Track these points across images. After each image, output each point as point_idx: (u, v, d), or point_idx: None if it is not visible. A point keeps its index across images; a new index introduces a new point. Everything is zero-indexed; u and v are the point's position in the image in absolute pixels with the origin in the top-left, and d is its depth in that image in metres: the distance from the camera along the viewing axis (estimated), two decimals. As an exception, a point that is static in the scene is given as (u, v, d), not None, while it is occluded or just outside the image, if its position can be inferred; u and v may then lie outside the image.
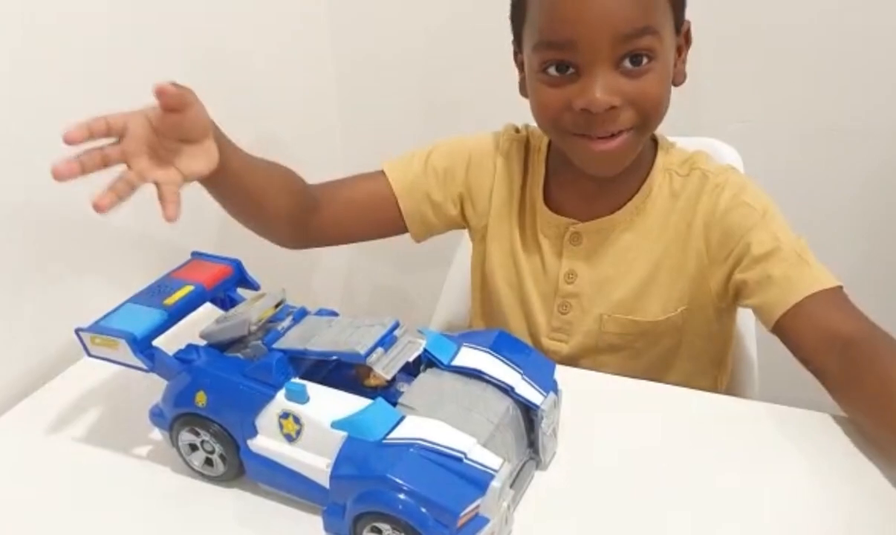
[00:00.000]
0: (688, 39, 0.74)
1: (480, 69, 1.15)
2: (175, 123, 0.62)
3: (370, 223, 0.85)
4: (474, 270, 0.89)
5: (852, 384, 0.63)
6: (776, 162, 1.10)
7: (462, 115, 1.26)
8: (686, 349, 0.81)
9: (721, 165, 0.79)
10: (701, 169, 0.77)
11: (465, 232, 0.90)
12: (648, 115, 0.70)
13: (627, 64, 0.67)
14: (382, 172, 0.84)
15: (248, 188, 0.75)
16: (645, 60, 0.68)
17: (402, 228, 0.85)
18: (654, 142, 0.80)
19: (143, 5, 0.89)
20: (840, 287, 0.69)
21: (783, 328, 0.70)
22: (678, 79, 0.73)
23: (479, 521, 0.51)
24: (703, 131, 0.94)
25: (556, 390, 0.61)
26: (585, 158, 0.73)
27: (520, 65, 0.77)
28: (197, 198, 0.98)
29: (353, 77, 1.33)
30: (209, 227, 1.01)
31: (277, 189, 0.78)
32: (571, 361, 0.80)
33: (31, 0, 0.76)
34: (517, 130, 0.85)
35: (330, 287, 0.93)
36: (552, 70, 0.69)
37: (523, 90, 0.77)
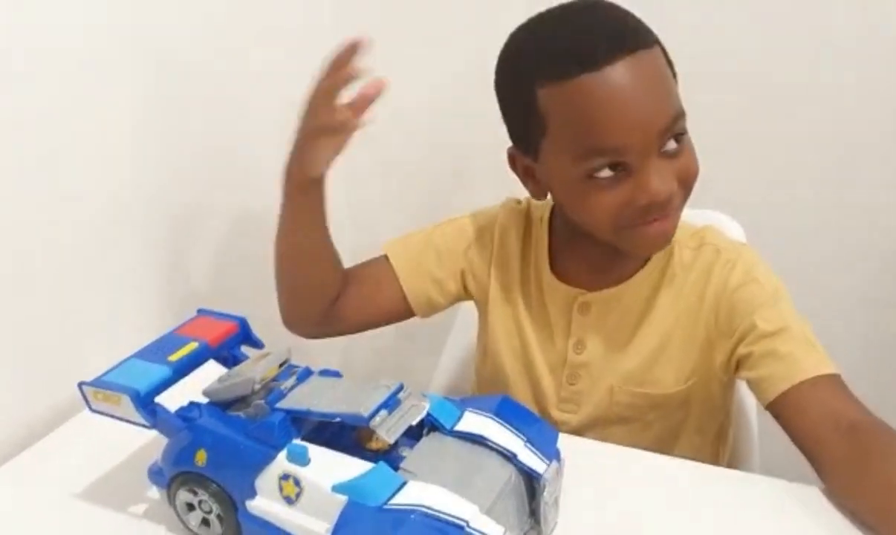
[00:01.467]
0: None
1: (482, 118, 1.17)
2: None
3: (378, 307, 0.87)
4: (479, 340, 0.90)
5: (859, 471, 0.62)
6: (779, 236, 1.11)
7: (463, 151, 1.28)
8: (693, 422, 0.81)
9: (733, 242, 0.80)
10: (713, 244, 0.78)
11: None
12: (691, 187, 0.72)
13: (670, 146, 0.69)
14: (385, 256, 0.86)
15: (320, 233, 0.79)
16: (680, 143, 0.69)
17: (408, 309, 0.87)
18: None
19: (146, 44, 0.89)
20: (839, 376, 0.69)
21: (784, 405, 0.69)
22: None
23: (479, 592, 0.50)
24: (706, 204, 0.95)
25: (558, 459, 0.60)
26: (642, 243, 0.73)
27: (525, 171, 0.76)
28: (203, 253, 1.00)
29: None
30: (215, 284, 1.02)
31: (334, 255, 0.83)
32: (580, 431, 0.80)
33: (30, 5, 0.75)
34: (518, 203, 0.87)
35: (330, 350, 0.93)
36: (604, 174, 0.68)
37: (538, 195, 0.77)
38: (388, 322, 0.88)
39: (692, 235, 0.79)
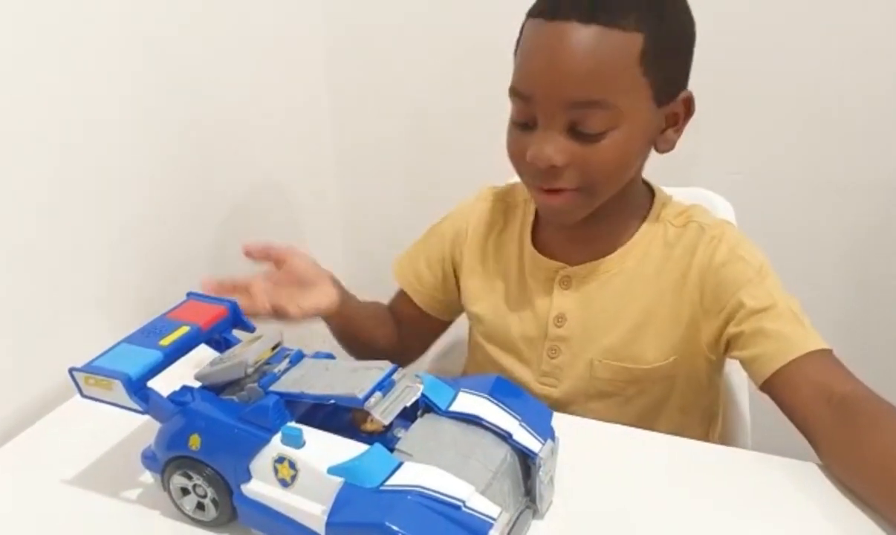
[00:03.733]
0: (689, 109, 0.74)
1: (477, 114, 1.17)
2: (286, 271, 0.82)
3: (423, 332, 0.96)
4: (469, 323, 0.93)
5: (852, 443, 0.63)
6: (768, 214, 1.11)
7: (456, 149, 1.28)
8: (677, 400, 0.81)
9: (718, 220, 0.80)
10: (697, 222, 0.78)
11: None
12: (594, 181, 0.72)
13: (582, 129, 0.69)
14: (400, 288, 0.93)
15: (360, 327, 0.90)
16: (596, 131, 0.69)
17: (441, 320, 0.94)
18: (651, 192, 0.81)
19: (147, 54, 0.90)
20: (831, 351, 0.70)
21: (777, 383, 0.70)
22: (662, 147, 0.75)
23: (476, 570, 0.50)
24: (696, 182, 0.96)
25: (553, 438, 0.61)
26: (537, 205, 0.77)
27: None
28: (189, 239, 0.99)
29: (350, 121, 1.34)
30: (205, 269, 1.01)
31: (380, 325, 0.93)
32: (561, 406, 0.80)
33: (30, 8, 0.75)
34: (494, 189, 0.90)
35: (321, 335, 0.93)
36: (518, 118, 0.73)
37: None
38: (434, 334, 0.97)
39: (679, 214, 0.80)
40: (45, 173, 0.78)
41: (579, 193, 0.72)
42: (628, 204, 0.79)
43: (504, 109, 0.75)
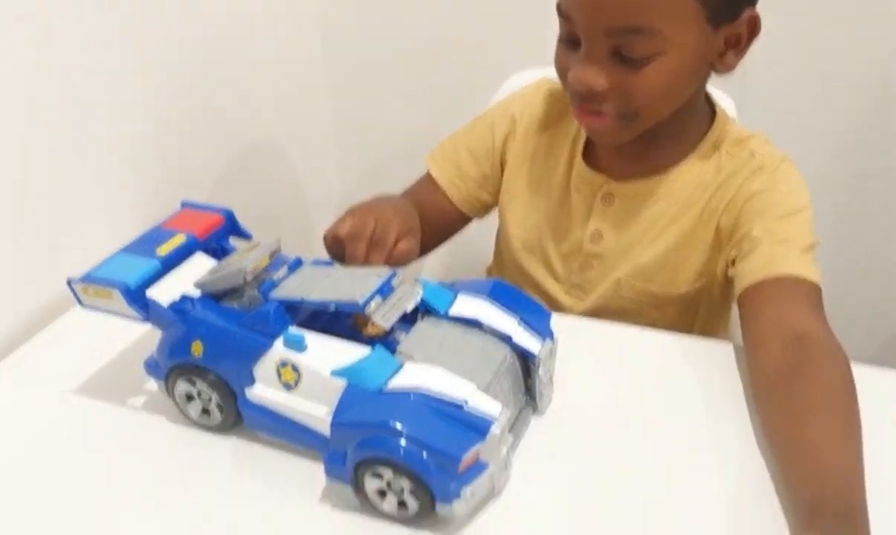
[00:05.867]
0: (753, 29, 0.69)
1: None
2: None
3: (439, 225, 0.87)
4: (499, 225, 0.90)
5: (781, 387, 0.58)
6: (769, 108, 1.10)
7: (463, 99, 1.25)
8: (698, 329, 0.80)
9: (777, 152, 0.75)
10: (750, 149, 0.74)
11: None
12: (637, 108, 0.68)
13: (626, 54, 0.66)
14: (429, 172, 0.87)
15: None
16: (640, 56, 0.66)
17: (464, 216, 0.88)
18: (713, 114, 0.77)
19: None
20: (818, 289, 0.66)
21: (745, 300, 0.67)
22: (721, 70, 0.70)
23: (479, 466, 0.51)
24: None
25: (552, 338, 0.61)
26: (580, 124, 0.75)
27: None
28: (187, 151, 0.98)
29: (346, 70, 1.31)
30: (198, 177, 1.00)
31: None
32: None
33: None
34: (553, 83, 0.83)
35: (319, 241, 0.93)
36: (563, 35, 0.70)
37: None
38: (453, 232, 0.89)
39: (737, 142, 0.75)
40: (42, 87, 0.76)
41: (622, 118, 0.69)
42: (683, 127, 0.75)
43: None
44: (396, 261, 0.70)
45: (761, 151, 0.74)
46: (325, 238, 0.71)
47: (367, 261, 0.68)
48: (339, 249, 0.70)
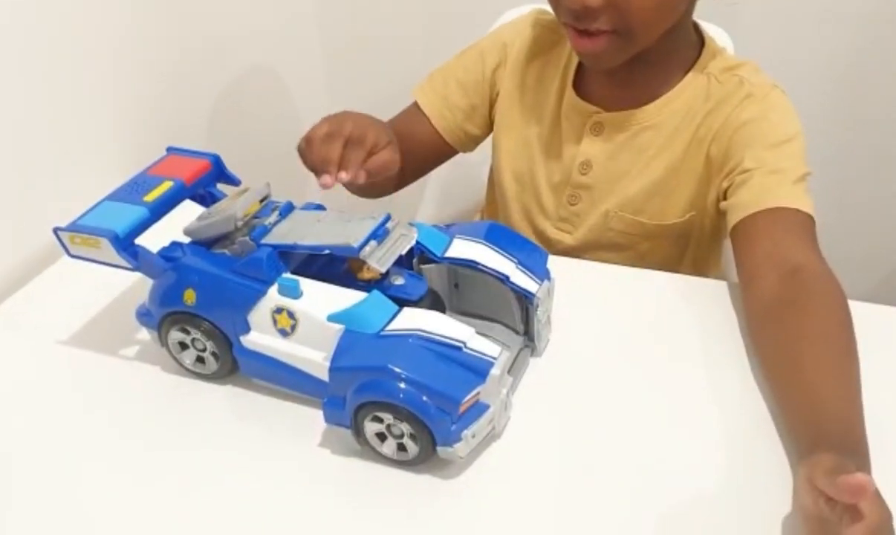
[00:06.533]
0: None
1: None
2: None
3: (422, 156, 0.86)
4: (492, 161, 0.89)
5: (777, 317, 0.58)
6: (766, 45, 1.08)
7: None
8: (689, 260, 0.80)
9: (766, 80, 0.74)
10: (740, 76, 0.73)
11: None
12: (632, 24, 0.67)
13: None
14: (415, 102, 0.85)
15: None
16: None
17: (449, 147, 0.86)
18: (701, 41, 0.76)
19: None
20: (812, 219, 0.65)
21: (738, 233, 0.66)
22: None
23: (479, 407, 0.51)
24: (695, 13, 0.91)
25: (549, 279, 0.61)
26: (573, 47, 0.72)
27: None
28: (171, 89, 0.95)
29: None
30: (183, 122, 0.98)
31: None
32: (574, 253, 0.80)
33: None
34: (544, 13, 0.82)
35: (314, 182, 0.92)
36: None
37: None
38: (436, 164, 0.89)
39: (726, 69, 0.74)
40: (20, 31, 0.74)
41: (616, 36, 0.68)
42: (673, 52, 0.74)
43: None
44: (377, 169, 0.69)
45: (751, 78, 0.73)
46: (299, 146, 0.69)
47: (343, 162, 0.67)
48: (314, 156, 0.68)
